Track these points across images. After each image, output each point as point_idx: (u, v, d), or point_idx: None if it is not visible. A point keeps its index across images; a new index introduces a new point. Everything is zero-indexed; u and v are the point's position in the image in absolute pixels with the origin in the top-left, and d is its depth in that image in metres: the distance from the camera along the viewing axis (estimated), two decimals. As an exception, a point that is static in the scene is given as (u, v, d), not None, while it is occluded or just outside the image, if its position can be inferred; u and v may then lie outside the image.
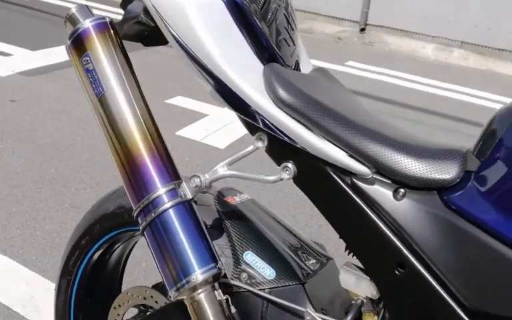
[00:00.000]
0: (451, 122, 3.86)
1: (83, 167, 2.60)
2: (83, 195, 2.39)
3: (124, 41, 1.06)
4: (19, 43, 4.27)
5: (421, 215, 0.86)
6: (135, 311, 1.21)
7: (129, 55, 1.02)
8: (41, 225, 2.15)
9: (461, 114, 4.03)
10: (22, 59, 3.98)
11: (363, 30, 6.66)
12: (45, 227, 2.14)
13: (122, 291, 1.28)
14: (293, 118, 0.91)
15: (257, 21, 0.96)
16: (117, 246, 1.28)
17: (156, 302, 1.16)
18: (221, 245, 1.07)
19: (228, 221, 1.06)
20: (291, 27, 1.06)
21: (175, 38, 0.94)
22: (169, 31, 0.94)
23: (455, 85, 4.83)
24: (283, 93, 0.90)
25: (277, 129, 0.92)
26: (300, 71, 1.11)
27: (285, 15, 1.04)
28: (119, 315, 1.21)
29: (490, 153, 0.83)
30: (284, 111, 0.91)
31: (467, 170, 0.85)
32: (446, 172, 0.85)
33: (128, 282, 1.32)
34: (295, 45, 1.07)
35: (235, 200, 1.11)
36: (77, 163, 2.62)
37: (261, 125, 0.94)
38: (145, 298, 1.17)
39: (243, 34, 0.96)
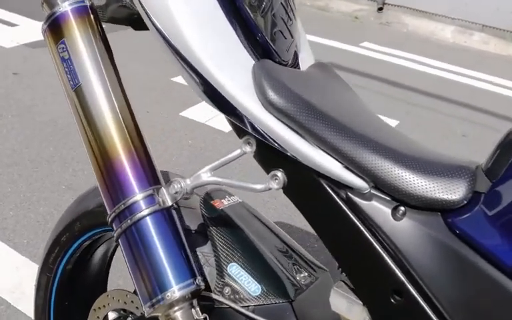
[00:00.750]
0: (465, 110, 3.72)
1: (82, 146, 2.52)
2: (80, 176, 2.33)
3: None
4: (25, 12, 4.18)
5: (422, 238, 0.77)
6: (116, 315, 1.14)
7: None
8: (35, 207, 2.09)
9: (478, 102, 3.88)
10: (27, 30, 3.88)
11: (380, 9, 6.47)
12: (39, 209, 2.08)
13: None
14: (283, 123, 0.81)
15: (249, 11, 0.87)
16: (98, 245, 1.21)
17: (136, 308, 1.08)
18: (205, 253, 0.99)
19: (213, 227, 0.98)
20: (289, 17, 0.96)
21: (156, 28, 0.84)
22: (149, 19, 0.85)
23: (473, 71, 4.66)
24: (272, 95, 0.80)
25: (266, 134, 0.82)
26: (299, 65, 1.02)
27: (282, 4, 0.94)
28: (98, 317, 1.14)
29: (503, 174, 0.73)
30: (273, 115, 0.81)
31: (476, 191, 0.76)
32: (452, 192, 0.76)
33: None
34: (292, 37, 0.97)
35: (222, 203, 1.03)
36: (76, 141, 2.54)
37: (249, 129, 0.85)
38: (125, 302, 1.10)
39: (233, 26, 0.86)
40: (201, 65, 0.80)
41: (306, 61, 1.04)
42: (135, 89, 3.10)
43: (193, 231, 1.01)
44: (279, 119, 0.81)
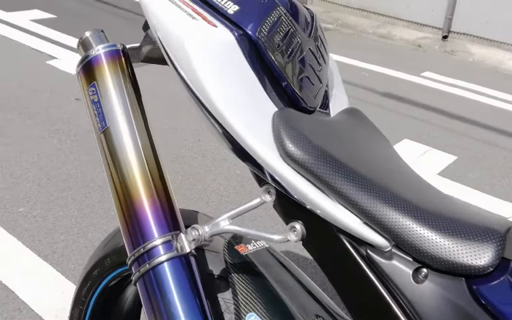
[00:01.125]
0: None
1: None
2: (129, 203, 2.38)
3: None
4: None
5: (443, 304, 0.73)
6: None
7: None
8: (85, 233, 2.15)
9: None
10: (93, 57, 4.02)
11: (445, 37, 6.31)
12: (88, 235, 2.14)
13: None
14: (302, 175, 0.79)
15: (273, 57, 0.86)
16: (129, 281, 1.22)
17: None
18: (226, 299, 0.98)
19: (235, 274, 0.96)
20: (318, 62, 0.94)
21: (177, 72, 0.85)
22: (172, 64, 0.86)
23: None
24: (290, 146, 0.79)
25: (284, 186, 0.81)
26: (329, 111, 0.99)
27: (310, 49, 0.92)
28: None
29: (534, 241, 0.68)
30: (291, 167, 0.79)
31: (504, 257, 0.71)
32: (478, 257, 0.71)
33: None
34: (321, 82, 0.95)
35: (247, 249, 1.01)
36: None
37: (268, 180, 0.83)
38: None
39: (255, 72, 0.85)
40: (219, 113, 0.80)
41: (338, 105, 1.01)
42: (188, 117, 3.16)
43: (216, 276, 1.00)
44: (296, 171, 0.79)
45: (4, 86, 3.48)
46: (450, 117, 3.89)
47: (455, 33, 6.31)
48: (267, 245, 1.05)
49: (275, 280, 0.98)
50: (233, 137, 0.81)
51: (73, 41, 4.46)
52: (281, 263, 1.03)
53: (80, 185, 2.46)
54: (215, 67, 0.81)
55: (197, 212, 1.13)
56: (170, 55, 0.85)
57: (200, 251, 1.01)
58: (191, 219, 1.08)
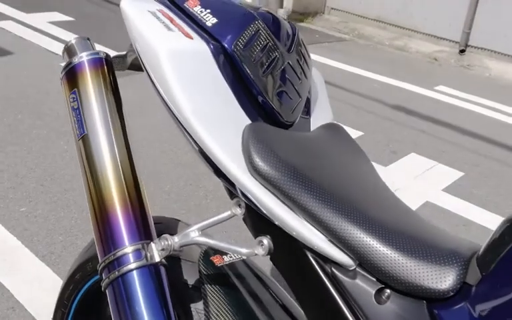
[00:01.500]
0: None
1: (136, 178, 2.61)
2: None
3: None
4: (108, 42, 4.43)
5: (404, 326, 0.72)
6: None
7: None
8: (83, 234, 2.17)
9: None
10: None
11: (462, 51, 6.25)
12: (86, 237, 2.15)
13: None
14: (269, 191, 0.79)
15: (248, 71, 0.86)
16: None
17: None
18: (199, 310, 0.98)
19: (208, 285, 0.96)
20: (298, 77, 0.94)
21: (155, 87, 0.85)
22: (150, 78, 0.86)
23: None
24: (258, 161, 0.79)
25: (252, 201, 0.81)
26: (309, 125, 0.99)
27: (289, 63, 0.92)
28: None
29: (493, 268, 0.67)
30: (259, 182, 0.79)
31: (466, 282, 0.70)
32: (439, 281, 0.70)
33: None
34: (300, 97, 0.95)
35: (223, 260, 1.01)
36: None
37: (238, 194, 0.83)
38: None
39: (232, 86, 0.86)
40: (190, 126, 0.80)
41: (319, 120, 1.01)
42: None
43: (190, 286, 1.00)
44: (264, 186, 0.79)
45: (16, 86, 3.53)
46: (460, 132, 3.85)
47: (472, 47, 6.25)
48: (245, 257, 1.05)
49: (248, 292, 0.98)
50: (204, 151, 0.81)
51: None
52: (257, 276, 1.03)
53: (82, 187, 2.47)
54: (187, 79, 0.81)
55: (179, 220, 1.13)
56: (146, 66, 0.86)
57: (176, 260, 1.01)
58: (171, 227, 1.09)
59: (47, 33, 4.78)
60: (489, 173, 3.24)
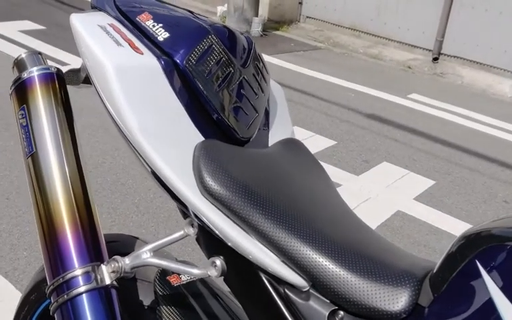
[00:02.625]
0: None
1: (105, 190, 2.56)
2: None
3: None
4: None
5: (356, 352, 0.70)
6: None
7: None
8: (48, 249, 2.12)
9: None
10: (77, 70, 4.01)
11: (435, 59, 6.32)
12: (52, 252, 2.11)
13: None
14: (221, 211, 0.77)
15: (201, 87, 0.84)
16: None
17: None
18: (154, 332, 0.95)
19: (164, 306, 0.93)
20: (254, 92, 0.92)
21: (103, 102, 0.83)
22: (97, 93, 0.84)
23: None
24: (208, 180, 0.77)
25: (204, 221, 0.78)
26: (267, 140, 0.97)
27: (245, 78, 0.90)
28: None
29: (444, 289, 0.66)
30: (211, 202, 0.77)
31: (418, 303, 0.68)
32: (392, 302, 0.69)
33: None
34: (257, 112, 0.93)
35: (180, 280, 0.98)
36: (100, 184, 2.59)
37: (190, 214, 0.81)
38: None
39: (184, 103, 0.83)
40: (138, 145, 0.78)
41: (278, 135, 0.99)
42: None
43: (146, 307, 0.97)
44: (216, 206, 0.77)
45: (-16, 96, 3.46)
46: (432, 141, 3.88)
47: (445, 55, 6.32)
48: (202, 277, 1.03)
49: (206, 313, 0.96)
50: (154, 171, 0.79)
51: (59, 53, 4.46)
52: (216, 295, 1.01)
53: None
54: (136, 96, 0.79)
55: (137, 238, 1.10)
56: (94, 82, 0.83)
57: (131, 280, 0.98)
58: (128, 245, 1.06)
59: (17, 41, 4.71)
60: (460, 182, 3.26)
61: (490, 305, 0.59)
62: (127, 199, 2.53)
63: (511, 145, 4.07)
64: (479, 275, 0.61)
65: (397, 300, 0.68)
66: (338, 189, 0.94)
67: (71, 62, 4.17)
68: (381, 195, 2.94)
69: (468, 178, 3.33)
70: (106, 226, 2.24)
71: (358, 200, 2.82)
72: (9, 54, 4.34)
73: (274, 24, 7.08)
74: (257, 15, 6.67)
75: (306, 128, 3.69)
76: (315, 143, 3.45)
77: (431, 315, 0.66)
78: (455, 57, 6.28)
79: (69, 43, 4.77)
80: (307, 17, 7.43)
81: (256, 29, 6.47)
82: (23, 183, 2.56)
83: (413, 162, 3.45)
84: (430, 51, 6.38)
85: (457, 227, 2.67)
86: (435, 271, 0.68)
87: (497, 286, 0.59)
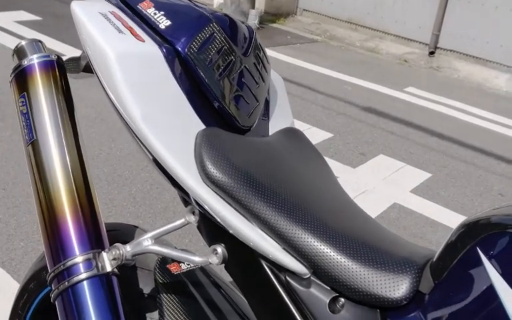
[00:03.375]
0: (508, 166, 3.54)
1: (102, 181, 2.56)
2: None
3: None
4: (75, 43, 4.35)
5: (357, 335, 0.71)
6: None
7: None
8: (46, 239, 2.11)
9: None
10: (74, 61, 4.00)
11: (432, 53, 6.33)
12: (49, 242, 2.10)
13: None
14: (222, 198, 0.77)
15: (203, 75, 0.84)
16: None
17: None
18: (154, 319, 0.95)
19: (164, 294, 0.93)
20: (255, 80, 0.92)
21: (104, 90, 0.83)
22: (99, 80, 0.84)
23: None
24: (210, 168, 0.77)
25: (206, 209, 0.79)
26: (267, 129, 0.98)
27: (246, 67, 0.90)
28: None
29: (445, 276, 0.66)
30: (212, 190, 0.77)
31: (419, 290, 0.69)
32: (392, 289, 0.69)
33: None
34: (258, 101, 0.93)
35: (180, 268, 0.98)
36: (97, 175, 2.58)
37: (192, 202, 0.81)
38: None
39: (185, 90, 0.83)
40: (139, 132, 0.78)
41: (278, 124, 0.99)
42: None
43: (146, 295, 0.97)
44: (217, 194, 0.77)
45: (-20, 87, 3.44)
46: (429, 134, 3.89)
47: (442, 49, 6.33)
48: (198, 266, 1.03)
49: (206, 300, 0.96)
50: (156, 158, 0.79)
51: (55, 44, 4.44)
52: (215, 283, 1.01)
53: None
54: (137, 83, 0.78)
55: (136, 227, 1.10)
56: (96, 70, 0.83)
57: (131, 268, 0.98)
58: (128, 234, 1.06)
59: (13, 32, 4.68)
60: (455, 174, 3.28)
61: (491, 291, 0.59)
62: (124, 190, 2.52)
63: (507, 139, 4.09)
64: (480, 262, 0.61)
65: (398, 287, 0.69)
66: (338, 180, 0.94)
67: (67, 52, 4.15)
68: (378, 188, 2.95)
69: (464, 171, 3.34)
70: (103, 217, 2.24)
71: (355, 192, 2.83)
72: (5, 44, 4.31)
73: (271, 16, 7.07)
74: (253, 8, 6.66)
75: (302, 120, 3.69)
76: (311, 135, 3.45)
77: (431, 302, 0.67)
78: (451, 50, 6.29)
79: (65, 33, 4.77)
80: (304, 9, 7.42)
81: (252, 21, 6.45)
82: (20, 173, 2.56)
83: (410, 155, 3.46)
84: (426, 44, 6.39)
85: (453, 219, 2.68)
86: (435, 258, 0.69)
87: (498, 273, 0.60)
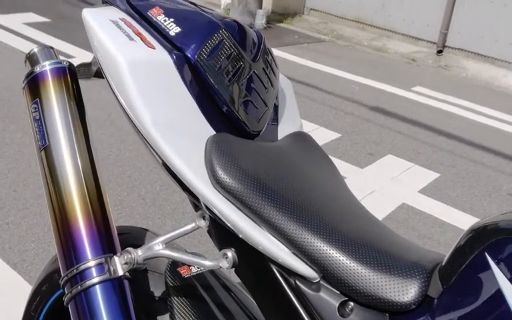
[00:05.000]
0: (518, 165, 3.53)
1: (112, 182, 2.58)
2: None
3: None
4: (84, 45, 4.38)
5: (366, 339, 0.72)
6: None
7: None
8: (56, 241, 2.14)
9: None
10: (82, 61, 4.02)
11: (440, 52, 6.31)
12: (59, 244, 2.12)
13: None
14: (232, 203, 0.78)
15: (212, 81, 0.85)
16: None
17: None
18: (166, 322, 0.97)
19: (175, 297, 0.95)
20: (264, 86, 0.93)
21: (116, 98, 0.84)
22: (110, 87, 0.85)
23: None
24: (220, 173, 0.78)
25: (216, 214, 0.80)
26: (276, 134, 0.98)
27: (255, 72, 0.91)
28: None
29: (453, 281, 0.67)
30: (223, 195, 0.78)
31: (428, 295, 0.70)
32: (401, 294, 0.70)
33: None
34: (267, 106, 0.94)
35: (190, 271, 1.00)
36: (106, 177, 2.60)
37: (202, 207, 0.82)
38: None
39: (195, 97, 0.84)
40: (150, 137, 0.79)
41: (287, 129, 1.00)
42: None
43: (157, 298, 0.98)
44: (227, 199, 0.78)
45: (-10, 89, 3.47)
46: (437, 133, 3.88)
47: (450, 47, 6.31)
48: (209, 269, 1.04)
49: (216, 303, 0.97)
50: (166, 163, 0.80)
51: (64, 46, 4.47)
52: (225, 286, 1.02)
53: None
54: (148, 90, 0.80)
55: (147, 230, 1.12)
56: (107, 76, 0.84)
57: (142, 271, 1.00)
58: (139, 237, 1.07)
59: (22, 34, 4.71)
60: (464, 174, 3.27)
61: (499, 295, 0.60)
62: (133, 191, 2.54)
63: (516, 138, 4.07)
64: (488, 267, 0.62)
65: (407, 291, 0.69)
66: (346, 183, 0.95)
67: (76, 54, 4.18)
68: (386, 188, 2.95)
69: (472, 171, 3.33)
70: (114, 218, 2.26)
71: (363, 193, 2.83)
72: (14, 46, 4.35)
73: (278, 16, 7.07)
74: (260, 7, 6.66)
75: (310, 120, 3.70)
76: (319, 135, 3.46)
77: (440, 306, 0.67)
78: (459, 49, 6.27)
79: (73, 35, 4.80)
80: (311, 9, 7.41)
81: (260, 21, 6.46)
82: (30, 175, 2.58)
83: (418, 155, 3.45)
84: (434, 43, 6.37)
85: (462, 220, 2.68)
86: (444, 263, 0.70)
87: (506, 277, 0.60)
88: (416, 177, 3.13)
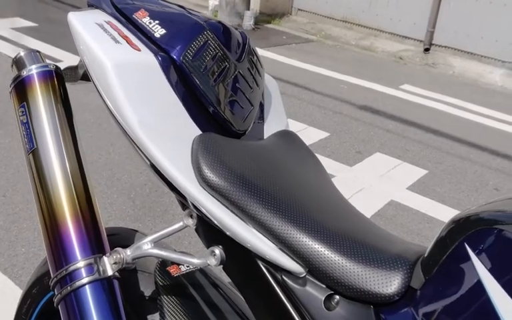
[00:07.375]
0: (504, 161, 3.56)
1: (101, 185, 2.58)
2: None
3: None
4: (71, 48, 4.37)
5: (352, 331, 0.73)
6: None
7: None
8: (46, 245, 2.14)
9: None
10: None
11: (427, 50, 6.36)
12: (49, 248, 2.12)
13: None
14: (219, 201, 0.80)
15: (198, 82, 0.86)
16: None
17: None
18: (156, 321, 0.98)
19: (164, 296, 0.96)
20: (249, 85, 0.94)
21: (102, 98, 0.85)
22: (97, 89, 0.86)
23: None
24: (207, 172, 0.79)
25: (203, 212, 0.81)
26: (262, 133, 1.00)
27: (240, 72, 0.93)
28: None
29: (436, 272, 0.68)
30: (208, 193, 0.80)
31: (411, 286, 0.71)
32: (385, 285, 0.72)
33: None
34: (252, 105, 0.95)
35: (179, 270, 1.01)
36: (96, 180, 2.61)
37: (189, 205, 0.83)
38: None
39: (181, 97, 0.85)
40: (137, 138, 0.80)
41: (273, 127, 1.01)
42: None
43: (147, 297, 0.99)
44: (214, 197, 0.79)
45: (-23, 94, 3.46)
46: (425, 131, 3.92)
47: (436, 45, 6.36)
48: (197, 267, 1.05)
49: (206, 302, 0.98)
50: (153, 164, 0.81)
51: (51, 50, 4.45)
52: (215, 284, 1.03)
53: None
54: (134, 91, 0.81)
55: (136, 231, 1.13)
56: (93, 79, 0.85)
57: (132, 271, 1.00)
58: (128, 238, 1.08)
59: (10, 39, 4.69)
60: (451, 170, 3.31)
61: (479, 286, 0.62)
62: (123, 194, 2.55)
63: (502, 134, 4.12)
64: (468, 258, 0.64)
65: (390, 283, 0.71)
66: (332, 180, 0.96)
67: (64, 58, 4.17)
68: (375, 185, 2.97)
69: (459, 167, 3.37)
70: (102, 221, 2.27)
71: (352, 190, 2.86)
72: (2, 51, 4.33)
73: (266, 17, 7.09)
74: (248, 9, 6.68)
75: (299, 120, 3.72)
76: (308, 135, 3.48)
77: (422, 297, 0.69)
78: (446, 47, 6.32)
79: (61, 39, 4.78)
80: (299, 9, 7.44)
81: (248, 22, 6.48)
82: (19, 180, 2.58)
83: (406, 152, 3.49)
84: (421, 41, 6.42)
85: (449, 215, 2.67)
86: (426, 254, 0.71)
87: (486, 268, 0.62)
88: (404, 174, 3.16)
